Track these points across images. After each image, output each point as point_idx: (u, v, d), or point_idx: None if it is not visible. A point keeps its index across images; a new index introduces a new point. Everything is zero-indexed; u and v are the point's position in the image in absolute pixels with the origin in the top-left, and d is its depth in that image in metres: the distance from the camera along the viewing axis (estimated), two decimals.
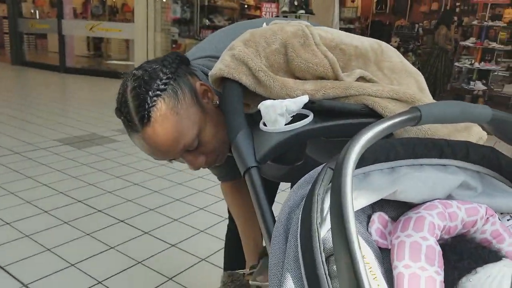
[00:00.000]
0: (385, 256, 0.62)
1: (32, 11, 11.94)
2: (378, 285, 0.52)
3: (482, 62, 7.30)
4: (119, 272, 1.87)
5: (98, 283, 1.79)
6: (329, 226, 0.57)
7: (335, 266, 0.51)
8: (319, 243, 0.52)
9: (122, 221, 2.35)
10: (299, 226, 0.56)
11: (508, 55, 7.82)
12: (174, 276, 1.85)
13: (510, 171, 0.71)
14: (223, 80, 0.80)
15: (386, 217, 0.65)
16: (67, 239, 2.13)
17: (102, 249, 2.06)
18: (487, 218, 0.65)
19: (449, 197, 0.69)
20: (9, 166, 3.12)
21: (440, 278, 0.55)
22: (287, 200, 0.63)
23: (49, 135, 4.00)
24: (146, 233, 2.23)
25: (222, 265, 1.62)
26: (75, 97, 6.31)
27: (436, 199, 0.65)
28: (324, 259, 0.51)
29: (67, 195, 2.67)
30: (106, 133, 4.12)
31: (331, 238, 0.54)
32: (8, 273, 1.83)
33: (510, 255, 0.63)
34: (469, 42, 7.55)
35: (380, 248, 0.62)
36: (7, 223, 2.27)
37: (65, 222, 2.31)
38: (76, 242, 2.12)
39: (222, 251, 1.59)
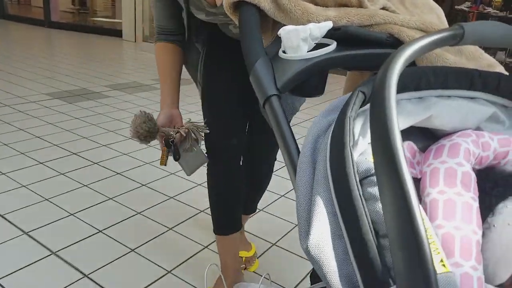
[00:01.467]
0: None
1: None
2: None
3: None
4: (119, 222, 1.85)
5: (98, 232, 1.77)
6: (361, 150, 0.54)
7: (370, 189, 0.49)
8: (353, 166, 0.49)
9: (119, 173, 2.32)
10: (329, 150, 0.53)
11: (503, 21, 7.73)
12: (174, 227, 1.84)
13: None
14: (239, 4, 0.74)
15: (415, 146, 0.62)
16: (64, 190, 2.10)
17: (101, 199, 2.04)
18: None
19: (478, 129, 0.66)
20: (0, 118, 3.03)
21: (476, 204, 0.53)
22: (311, 128, 0.60)
23: (39, 89, 3.89)
24: (143, 185, 2.20)
25: None
26: (63, 52, 6.10)
27: (468, 129, 0.62)
28: (358, 182, 0.48)
29: (61, 147, 2.62)
30: (97, 89, 4.01)
31: (364, 162, 0.52)
32: (8, 221, 1.80)
33: None
34: (464, 6, 7.42)
35: None
36: (3, 173, 2.23)
37: (61, 173, 2.28)
38: (73, 192, 2.09)
39: None
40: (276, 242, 1.77)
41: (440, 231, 0.51)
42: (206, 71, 1.31)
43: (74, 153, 2.55)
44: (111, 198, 2.05)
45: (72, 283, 1.47)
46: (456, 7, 7.64)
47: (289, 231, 1.86)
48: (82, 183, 2.19)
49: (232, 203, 1.35)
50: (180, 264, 1.59)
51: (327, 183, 0.51)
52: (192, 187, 2.21)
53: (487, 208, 0.56)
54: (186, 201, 2.06)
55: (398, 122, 0.58)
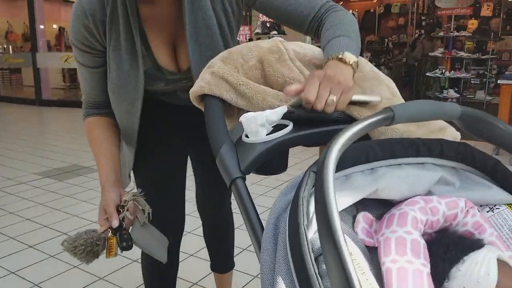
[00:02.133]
0: (372, 254, 0.64)
1: (5, 46, 11.84)
2: (366, 279, 0.54)
3: (453, 71, 7.55)
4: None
5: None
6: (316, 228, 0.59)
7: (324, 266, 0.53)
8: (307, 244, 0.53)
9: None
10: (287, 230, 0.57)
11: (476, 63, 8.12)
12: None
13: (484, 164, 0.74)
14: (204, 97, 0.82)
15: (371, 216, 0.67)
16: (56, 273, 2.09)
17: (92, 280, 2.01)
18: (467, 210, 0.68)
19: (429, 193, 0.72)
20: None
21: (426, 270, 0.57)
22: (273, 206, 0.65)
23: (29, 169, 3.93)
24: (134, 261, 2.19)
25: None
26: (53, 129, 6.23)
27: (417, 195, 0.68)
28: (313, 259, 0.53)
29: (51, 228, 2.61)
30: (87, 163, 4.07)
31: (318, 239, 0.56)
32: None
33: (492, 245, 0.66)
34: (437, 53, 7.81)
35: (367, 247, 0.64)
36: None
37: (52, 256, 2.26)
38: (64, 275, 2.07)
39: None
40: None
41: None
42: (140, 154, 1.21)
43: (64, 233, 2.55)
44: (101, 278, 2.04)
45: None
46: (430, 54, 8.05)
47: None
48: (72, 264, 2.17)
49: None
50: None
51: (287, 262, 0.55)
52: (186, 258, 2.21)
53: (441, 273, 0.60)
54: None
55: (349, 197, 0.64)
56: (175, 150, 1.29)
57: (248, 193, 0.69)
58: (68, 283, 1.97)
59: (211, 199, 1.48)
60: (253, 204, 0.68)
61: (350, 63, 0.80)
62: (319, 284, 0.51)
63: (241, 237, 2.34)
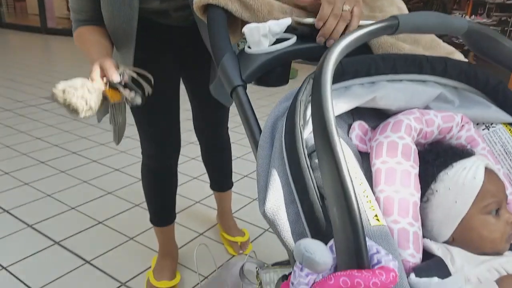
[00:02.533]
0: (364, 160, 0.67)
1: None
2: (355, 177, 0.57)
3: (473, 16, 7.24)
4: (118, 214, 1.93)
5: (98, 223, 1.85)
6: (311, 129, 0.61)
7: (316, 160, 0.56)
8: (302, 140, 0.56)
9: (117, 169, 2.41)
10: (284, 129, 0.60)
11: (500, 8, 7.74)
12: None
13: (486, 84, 0.75)
14: (207, 8, 0.81)
15: (366, 125, 0.69)
16: (66, 186, 2.19)
17: (100, 194, 2.12)
18: (462, 125, 0.70)
19: (427, 108, 0.73)
20: (1, 122, 3.12)
21: (415, 171, 0.60)
22: (271, 112, 0.67)
23: (38, 93, 3.97)
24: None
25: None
26: (60, 58, 6.20)
27: (414, 108, 0.69)
28: (306, 154, 0.56)
29: (62, 148, 2.70)
30: None
31: (312, 138, 0.59)
32: (13, 215, 1.89)
33: None
34: None
35: (360, 152, 0.67)
36: (7, 173, 2.33)
37: (62, 171, 2.36)
38: (75, 188, 2.18)
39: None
40: (268, 229, 1.85)
41: (382, 194, 0.58)
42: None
43: (73, 152, 2.63)
44: (110, 193, 2.14)
45: (75, 269, 1.55)
46: None
47: None
48: (82, 179, 2.27)
49: (165, 202, 1.50)
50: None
51: (281, 157, 0.58)
52: (189, 180, 2.29)
53: (429, 176, 0.64)
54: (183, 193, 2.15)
55: (346, 103, 0.66)
56: (168, 71, 1.29)
57: (249, 100, 0.71)
58: (78, 195, 2.07)
59: (207, 121, 1.52)
60: (252, 110, 0.70)
61: None
62: (310, 175, 0.55)
63: (242, 165, 2.42)
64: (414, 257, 0.55)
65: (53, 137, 2.87)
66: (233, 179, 1.73)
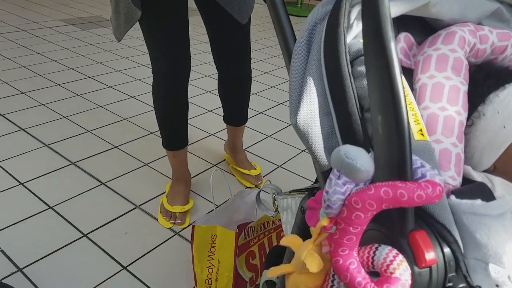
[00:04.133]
0: (406, 76, 0.61)
1: None
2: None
3: None
4: (132, 140, 1.93)
5: (113, 148, 1.85)
6: (355, 33, 0.55)
7: (359, 68, 0.51)
8: (344, 44, 0.50)
9: (132, 97, 2.37)
10: (324, 32, 0.54)
11: None
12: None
13: None
14: None
15: (412, 39, 0.62)
16: (81, 109, 2.18)
17: (115, 119, 2.10)
18: None
19: (479, 24, 0.66)
20: (17, 42, 3.07)
21: (464, 88, 0.55)
22: (309, 18, 0.60)
23: (53, 15, 3.87)
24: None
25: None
26: None
27: (468, 21, 0.62)
28: (348, 60, 0.50)
29: (77, 71, 2.66)
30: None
31: (356, 44, 0.53)
32: (30, 134, 1.89)
33: None
34: None
35: (402, 68, 0.61)
36: (23, 92, 2.31)
37: (78, 95, 2.34)
38: (91, 112, 2.16)
39: None
40: (281, 165, 1.83)
41: (425, 112, 0.53)
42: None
43: (89, 77, 2.59)
44: (125, 119, 2.12)
45: (90, 189, 1.57)
46: None
47: (294, 156, 1.91)
48: (98, 104, 2.25)
49: (177, 125, 1.48)
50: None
51: (319, 65, 0.53)
52: (204, 112, 2.26)
53: (478, 97, 0.58)
54: (197, 125, 2.12)
55: (396, 6, 0.59)
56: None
57: (283, 3, 0.64)
58: (94, 118, 2.06)
59: (226, 49, 1.44)
60: (287, 14, 0.63)
61: None
62: (351, 83, 0.49)
63: (258, 102, 2.36)
64: (454, 179, 0.51)
65: (69, 60, 2.82)
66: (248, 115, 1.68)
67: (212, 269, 1.08)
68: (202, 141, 1.98)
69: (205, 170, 1.75)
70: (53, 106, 2.18)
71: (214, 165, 1.79)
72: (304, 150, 1.92)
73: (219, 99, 1.63)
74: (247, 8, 1.31)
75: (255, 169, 1.72)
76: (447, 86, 0.53)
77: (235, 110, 1.64)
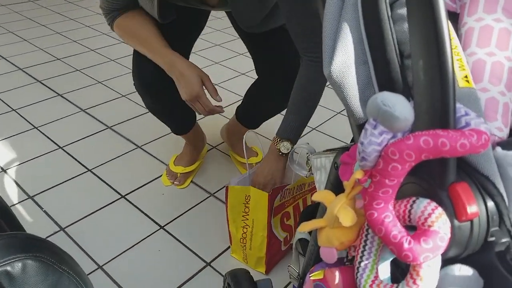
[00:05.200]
0: (452, 21, 0.56)
1: None
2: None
3: None
4: None
5: (121, 96, 1.88)
6: None
7: (399, 10, 0.47)
8: None
9: None
10: None
11: None
12: None
13: None
14: None
15: None
16: (79, 86, 2.12)
17: (115, 96, 2.06)
18: None
19: None
20: (23, 14, 3.11)
21: None
22: None
23: None
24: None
25: None
26: None
27: None
28: (388, 2, 0.46)
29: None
30: None
31: None
32: (21, 116, 1.95)
33: None
34: None
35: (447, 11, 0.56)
36: (20, 69, 2.29)
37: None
38: (89, 88, 2.12)
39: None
40: (316, 127, 1.80)
41: (471, 58, 0.49)
42: None
43: (92, 50, 2.61)
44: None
45: (97, 132, 1.61)
46: None
47: (330, 118, 1.87)
48: (97, 80, 2.27)
49: (170, 117, 1.34)
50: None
51: (355, 9, 0.49)
52: (211, 64, 2.23)
53: None
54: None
55: None
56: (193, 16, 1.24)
57: None
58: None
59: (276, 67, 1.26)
60: None
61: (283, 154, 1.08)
62: (390, 27, 0.46)
63: None
64: (501, 130, 0.48)
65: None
66: None
67: (246, 228, 1.09)
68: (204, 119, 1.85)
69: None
70: (50, 83, 2.14)
71: (214, 147, 1.68)
72: (339, 112, 1.88)
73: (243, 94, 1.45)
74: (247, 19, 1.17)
75: (255, 156, 1.58)
76: (496, 29, 0.49)
77: (257, 117, 1.44)
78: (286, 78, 1.15)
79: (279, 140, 1.07)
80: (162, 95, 1.19)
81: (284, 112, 1.14)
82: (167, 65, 1.07)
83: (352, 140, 0.70)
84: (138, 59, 1.16)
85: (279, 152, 1.07)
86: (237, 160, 1.58)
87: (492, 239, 0.38)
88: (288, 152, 1.07)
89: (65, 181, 1.46)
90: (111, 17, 1.12)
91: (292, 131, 1.07)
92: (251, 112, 1.44)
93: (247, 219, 1.09)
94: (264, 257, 1.10)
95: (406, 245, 0.36)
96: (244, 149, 1.18)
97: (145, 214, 1.32)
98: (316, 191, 1.23)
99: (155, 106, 1.26)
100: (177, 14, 1.13)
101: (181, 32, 1.23)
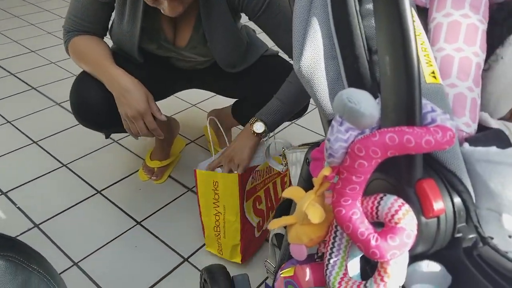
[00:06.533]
0: (421, 17, 0.56)
1: None
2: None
3: None
4: None
5: None
6: None
7: (367, 5, 0.47)
8: None
9: None
10: None
11: None
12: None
13: None
14: None
15: None
16: (54, 79, 2.10)
17: None
18: None
19: None
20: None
21: (483, 27, 0.50)
22: None
23: None
24: None
25: None
26: None
27: None
28: None
29: (55, 36, 2.62)
30: None
31: None
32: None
33: None
34: None
35: (416, 6, 0.56)
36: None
37: (52, 62, 2.31)
38: (64, 81, 2.13)
39: None
40: (295, 121, 1.80)
41: (440, 54, 0.49)
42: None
43: None
44: None
45: (72, 126, 1.58)
46: None
47: (308, 111, 1.87)
48: None
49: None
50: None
51: (325, 4, 0.49)
52: None
53: (496, 37, 0.53)
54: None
55: None
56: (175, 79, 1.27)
57: None
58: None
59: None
60: None
61: (255, 134, 1.06)
62: (358, 23, 0.46)
63: None
64: (469, 126, 0.48)
65: None
66: None
67: (219, 216, 1.08)
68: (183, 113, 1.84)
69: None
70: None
71: (192, 141, 1.66)
72: None
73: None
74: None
75: None
76: (464, 24, 0.49)
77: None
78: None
79: (256, 120, 1.07)
80: (108, 126, 1.19)
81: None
82: (108, 80, 1.05)
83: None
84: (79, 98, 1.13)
85: (251, 131, 1.06)
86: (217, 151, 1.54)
87: (459, 235, 0.39)
88: (261, 133, 1.06)
89: (40, 177, 1.43)
90: (70, 36, 1.11)
91: (271, 116, 1.07)
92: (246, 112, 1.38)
93: (218, 206, 1.07)
94: (239, 245, 1.09)
95: (373, 242, 0.36)
96: (209, 136, 1.16)
97: (122, 210, 1.30)
98: (285, 175, 1.23)
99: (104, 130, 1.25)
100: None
101: (161, 78, 1.26)
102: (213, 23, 1.09)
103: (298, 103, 1.10)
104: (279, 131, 1.71)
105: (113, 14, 1.12)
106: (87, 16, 1.08)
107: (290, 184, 1.23)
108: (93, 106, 1.10)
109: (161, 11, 0.97)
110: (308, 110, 1.81)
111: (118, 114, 1.08)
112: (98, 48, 1.10)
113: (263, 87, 1.16)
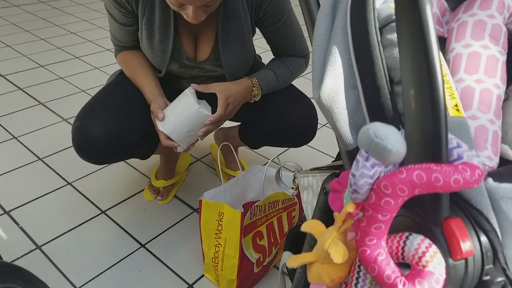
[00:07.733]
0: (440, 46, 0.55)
1: None
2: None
3: None
4: None
5: None
6: None
7: (389, 35, 0.46)
8: (373, 9, 0.45)
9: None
10: None
11: None
12: None
13: None
14: None
15: (446, 4, 0.57)
16: (62, 95, 2.08)
17: None
18: None
19: None
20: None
21: (503, 58, 0.49)
22: None
23: None
24: None
25: None
26: None
27: None
28: (377, 27, 0.45)
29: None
30: None
31: (386, 8, 0.48)
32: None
33: None
34: None
35: None
36: (1, 75, 2.26)
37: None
38: (72, 97, 2.10)
39: None
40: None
41: (460, 85, 0.48)
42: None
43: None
44: None
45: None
46: None
47: None
48: None
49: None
50: None
51: (345, 33, 0.48)
52: None
53: None
54: None
55: None
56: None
57: None
58: None
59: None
60: None
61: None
62: (380, 53, 0.45)
63: None
64: (491, 160, 0.47)
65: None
66: None
67: (218, 247, 1.05)
68: None
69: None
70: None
71: (198, 159, 1.66)
72: (325, 125, 1.87)
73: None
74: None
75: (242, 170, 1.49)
76: (484, 56, 0.48)
77: (256, 141, 1.39)
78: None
79: (258, 86, 1.15)
80: (109, 162, 1.17)
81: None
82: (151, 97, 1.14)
83: (339, 156, 0.69)
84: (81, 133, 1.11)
85: (252, 94, 1.15)
86: (225, 173, 1.54)
87: (487, 278, 0.37)
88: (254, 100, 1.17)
89: (44, 195, 1.41)
90: (119, 49, 1.23)
91: (264, 83, 1.16)
92: (252, 137, 1.38)
93: (220, 238, 1.04)
94: (235, 280, 1.05)
95: (400, 287, 0.34)
96: (218, 163, 1.14)
97: (126, 231, 1.28)
98: (293, 210, 1.20)
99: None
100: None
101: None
102: (231, 34, 1.12)
103: (285, 85, 1.22)
104: (286, 150, 1.69)
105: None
106: (121, 37, 1.18)
107: (301, 212, 1.19)
108: (95, 146, 1.08)
109: (184, 17, 0.99)
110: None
111: (120, 149, 1.10)
112: (145, 66, 1.19)
113: (269, 116, 1.21)
